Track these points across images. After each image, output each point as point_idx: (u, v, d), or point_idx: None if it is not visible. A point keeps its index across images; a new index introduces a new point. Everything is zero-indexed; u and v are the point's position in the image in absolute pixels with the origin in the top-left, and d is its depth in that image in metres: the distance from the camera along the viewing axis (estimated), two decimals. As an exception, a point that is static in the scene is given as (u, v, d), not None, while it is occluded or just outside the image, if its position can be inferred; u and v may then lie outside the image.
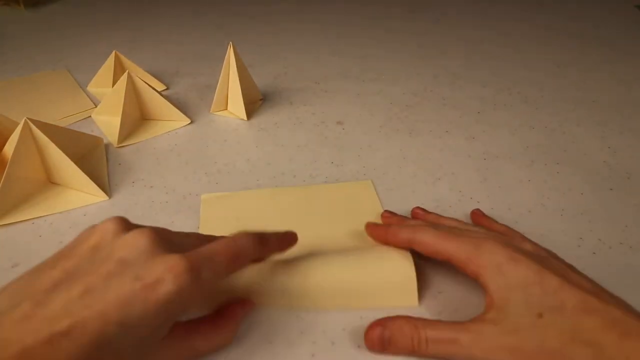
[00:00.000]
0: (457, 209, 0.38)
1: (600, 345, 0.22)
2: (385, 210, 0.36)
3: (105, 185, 0.41)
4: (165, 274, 0.21)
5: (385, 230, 0.31)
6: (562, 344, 0.23)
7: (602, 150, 0.47)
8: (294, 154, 0.46)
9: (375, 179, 0.42)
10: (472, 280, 0.27)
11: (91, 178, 0.39)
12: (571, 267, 0.27)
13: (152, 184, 0.42)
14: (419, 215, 0.36)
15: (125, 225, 0.24)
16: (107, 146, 0.47)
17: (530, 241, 0.30)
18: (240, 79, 0.50)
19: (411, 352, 0.26)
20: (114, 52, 0.56)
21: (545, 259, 0.27)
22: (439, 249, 0.28)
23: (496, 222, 0.35)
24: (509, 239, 0.29)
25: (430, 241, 0.28)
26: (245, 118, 0.51)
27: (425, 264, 0.31)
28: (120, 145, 0.47)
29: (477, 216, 0.36)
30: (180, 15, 0.89)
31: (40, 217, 0.38)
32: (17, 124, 0.39)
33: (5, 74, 0.63)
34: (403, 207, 0.38)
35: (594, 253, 0.34)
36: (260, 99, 0.56)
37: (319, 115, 0.53)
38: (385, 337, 0.26)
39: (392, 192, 0.40)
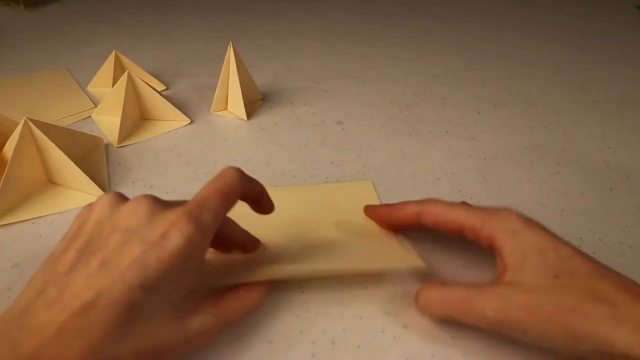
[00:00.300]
0: (457, 209, 0.38)
1: (616, 303, 0.22)
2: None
3: (105, 185, 0.41)
4: (169, 229, 0.22)
5: (390, 208, 0.31)
6: (579, 301, 0.23)
7: (602, 150, 0.47)
8: (294, 154, 0.46)
9: (375, 179, 0.42)
10: (482, 254, 0.28)
11: (91, 178, 0.39)
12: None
13: (152, 184, 0.42)
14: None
15: (120, 198, 0.26)
16: (107, 146, 0.47)
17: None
18: (240, 79, 0.50)
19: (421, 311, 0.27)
20: (114, 52, 0.56)
21: (556, 236, 0.27)
22: (451, 217, 0.28)
23: None
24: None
25: (441, 211, 0.28)
26: (245, 118, 0.51)
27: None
28: (120, 145, 0.47)
29: None
30: (181, 15, 0.89)
31: (40, 217, 0.38)
32: (17, 124, 0.39)
33: (5, 74, 0.63)
34: (403, 207, 0.38)
35: (594, 253, 0.34)
36: (260, 99, 0.56)
37: (319, 115, 0.53)
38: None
39: (392, 192, 0.40)
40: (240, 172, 0.27)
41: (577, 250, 0.25)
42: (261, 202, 0.29)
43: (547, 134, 0.49)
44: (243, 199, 0.28)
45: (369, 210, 0.34)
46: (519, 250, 0.25)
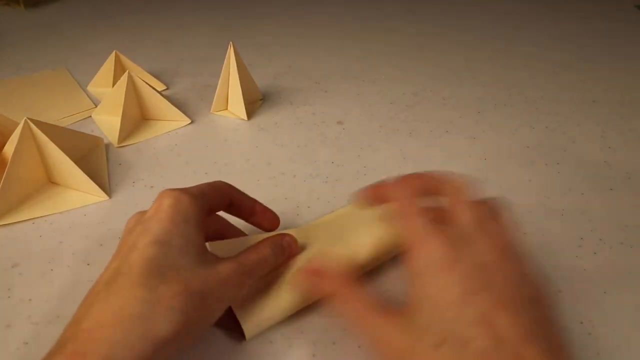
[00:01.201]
0: (457, 209, 0.38)
1: None
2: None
3: (105, 185, 0.41)
4: (161, 200, 0.26)
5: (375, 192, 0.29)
6: None
7: (602, 150, 0.47)
8: (294, 154, 0.46)
9: (375, 178, 0.42)
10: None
11: (91, 178, 0.39)
12: (518, 283, 0.23)
13: (152, 184, 0.42)
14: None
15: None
16: (107, 146, 0.47)
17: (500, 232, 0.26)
18: (240, 79, 0.50)
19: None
20: (114, 52, 0.56)
21: (491, 273, 0.22)
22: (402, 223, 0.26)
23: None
24: (471, 234, 0.24)
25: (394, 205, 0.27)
26: (245, 118, 0.51)
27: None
28: (120, 145, 0.47)
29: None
30: (181, 15, 0.89)
31: (40, 217, 0.38)
32: (17, 124, 0.39)
33: (5, 74, 0.63)
34: (403, 207, 0.38)
35: (595, 253, 0.34)
36: (260, 99, 0.56)
37: (319, 115, 0.53)
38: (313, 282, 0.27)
39: (392, 192, 0.40)
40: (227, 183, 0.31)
41: (483, 318, 0.21)
42: (257, 214, 0.32)
43: (547, 134, 0.49)
44: (234, 205, 0.31)
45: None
46: (423, 294, 0.23)
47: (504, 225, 0.26)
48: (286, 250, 0.29)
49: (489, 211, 0.26)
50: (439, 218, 0.25)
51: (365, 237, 0.30)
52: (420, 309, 0.22)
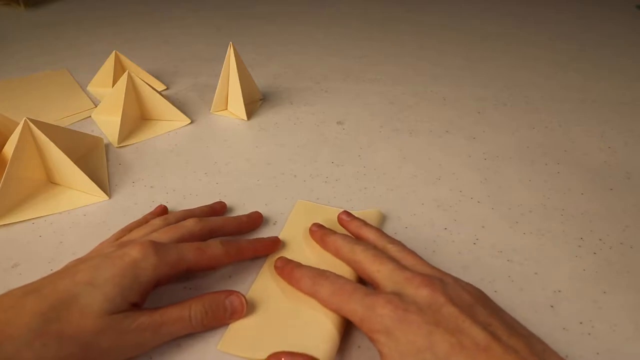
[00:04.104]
0: (457, 208, 0.38)
1: None
2: (343, 211, 0.35)
3: (105, 185, 0.41)
4: (132, 250, 0.27)
5: (290, 273, 0.30)
6: None
7: (602, 150, 0.47)
8: (294, 154, 0.46)
9: (375, 178, 0.42)
10: None
11: (91, 178, 0.39)
12: (471, 307, 0.25)
13: (152, 184, 0.42)
14: (343, 222, 0.34)
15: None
16: (107, 146, 0.47)
17: (428, 269, 0.28)
18: (240, 79, 0.50)
19: None
20: (114, 52, 0.56)
21: (441, 307, 0.24)
22: (334, 307, 0.27)
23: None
24: (404, 281, 0.26)
25: (327, 299, 0.27)
26: (245, 118, 0.51)
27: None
28: (120, 145, 0.47)
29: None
30: (181, 15, 0.89)
31: (40, 217, 0.38)
32: (17, 124, 0.39)
33: (5, 74, 0.63)
34: (403, 207, 0.38)
35: (594, 253, 0.34)
36: (260, 99, 0.56)
37: (319, 115, 0.53)
38: None
39: (392, 192, 0.40)
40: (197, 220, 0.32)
41: (455, 343, 0.22)
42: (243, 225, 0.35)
43: (547, 134, 0.49)
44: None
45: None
46: (395, 352, 0.23)
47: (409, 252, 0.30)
48: (227, 312, 0.28)
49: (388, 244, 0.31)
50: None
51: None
52: None
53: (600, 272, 0.32)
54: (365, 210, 0.37)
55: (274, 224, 0.36)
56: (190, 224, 0.31)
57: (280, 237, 0.34)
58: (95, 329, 0.24)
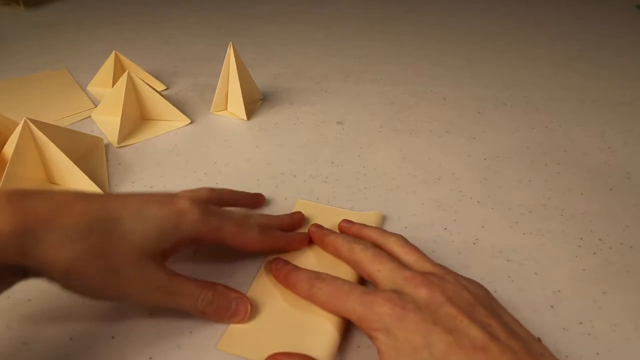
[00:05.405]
0: (457, 208, 0.38)
1: None
2: (343, 219, 0.35)
3: (105, 185, 0.41)
4: (181, 200, 0.28)
5: (286, 277, 0.30)
6: None
7: (602, 150, 0.47)
8: (294, 154, 0.46)
9: (375, 179, 0.42)
10: None
11: (91, 178, 0.39)
12: (470, 306, 0.25)
13: (152, 184, 0.42)
14: (344, 229, 0.34)
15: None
16: (107, 146, 0.47)
17: (429, 265, 0.28)
18: (240, 79, 0.50)
19: None
20: (114, 52, 0.56)
21: (440, 307, 0.24)
22: (333, 309, 0.27)
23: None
24: (403, 281, 0.26)
25: (325, 302, 0.27)
26: (245, 118, 0.51)
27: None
28: (120, 145, 0.47)
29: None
30: (180, 15, 0.89)
31: (40, 217, 0.38)
32: (17, 124, 0.39)
33: (5, 74, 0.63)
34: (403, 207, 0.38)
35: (594, 253, 0.34)
36: (260, 99, 0.56)
37: (319, 115, 0.53)
38: None
39: (392, 192, 0.40)
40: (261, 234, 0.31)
41: (452, 342, 0.22)
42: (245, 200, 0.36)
43: (547, 134, 0.49)
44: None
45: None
46: (393, 350, 0.23)
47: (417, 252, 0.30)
48: (229, 312, 0.28)
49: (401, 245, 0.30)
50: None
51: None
52: None
53: (600, 272, 0.32)
54: (365, 212, 0.37)
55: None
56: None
57: None
58: (124, 257, 0.24)
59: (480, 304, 0.25)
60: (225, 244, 0.30)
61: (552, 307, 0.30)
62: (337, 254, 0.31)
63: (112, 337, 0.27)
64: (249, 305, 0.28)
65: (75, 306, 0.29)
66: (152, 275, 0.25)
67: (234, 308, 0.28)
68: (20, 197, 0.23)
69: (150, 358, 0.26)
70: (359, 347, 0.27)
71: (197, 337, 0.27)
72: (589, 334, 0.28)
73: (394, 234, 0.31)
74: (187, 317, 0.28)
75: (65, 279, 0.23)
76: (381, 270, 0.27)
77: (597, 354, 0.27)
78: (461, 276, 0.27)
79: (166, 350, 0.27)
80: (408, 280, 0.26)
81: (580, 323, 0.29)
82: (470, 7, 0.92)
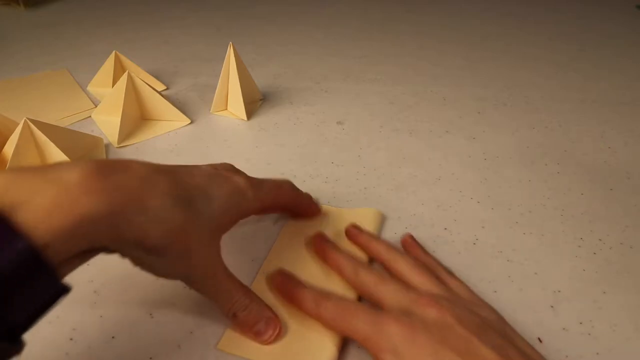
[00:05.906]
0: (457, 209, 0.38)
1: None
2: (351, 224, 0.34)
3: (105, 185, 0.41)
4: (238, 177, 0.28)
5: (291, 293, 0.29)
6: None
7: (602, 150, 0.47)
8: (294, 154, 0.46)
9: (375, 179, 0.42)
10: None
11: (91, 178, 0.39)
12: (480, 328, 0.24)
13: (152, 184, 0.42)
14: (352, 235, 0.33)
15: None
16: (107, 146, 0.47)
17: (438, 289, 0.27)
18: (240, 79, 0.50)
19: None
20: (114, 52, 0.56)
21: (450, 328, 0.24)
22: (339, 328, 0.26)
23: (425, 252, 0.32)
24: (410, 302, 0.26)
25: (331, 321, 0.26)
26: (245, 118, 0.51)
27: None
28: (120, 145, 0.47)
29: (409, 245, 0.34)
30: (181, 15, 0.89)
31: (40, 217, 0.38)
32: (17, 124, 0.39)
33: (5, 74, 0.63)
34: (403, 207, 0.38)
35: (594, 253, 0.34)
36: (260, 99, 0.56)
37: (319, 115, 0.53)
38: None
39: (392, 193, 0.40)
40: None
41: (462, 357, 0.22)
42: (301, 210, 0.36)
43: (547, 134, 0.49)
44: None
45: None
46: None
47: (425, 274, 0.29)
48: (254, 329, 0.27)
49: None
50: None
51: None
52: None
53: (600, 272, 0.32)
54: (362, 208, 0.37)
55: (275, 223, 0.36)
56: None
57: (281, 236, 0.34)
58: (199, 239, 0.24)
59: (492, 327, 0.24)
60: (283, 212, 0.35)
61: (552, 307, 0.30)
62: (340, 273, 0.30)
63: (112, 337, 0.27)
64: (278, 330, 0.27)
65: (76, 306, 0.29)
66: (215, 261, 0.25)
67: (262, 326, 0.27)
68: (107, 173, 0.21)
69: (150, 358, 0.26)
70: (359, 347, 0.27)
71: (197, 337, 0.27)
72: (589, 334, 0.28)
73: (404, 253, 0.31)
74: (187, 317, 0.28)
75: (145, 257, 0.23)
76: (386, 292, 0.27)
77: (597, 354, 0.27)
78: (474, 300, 0.27)
79: (166, 350, 0.27)
80: (416, 302, 0.25)
81: (580, 323, 0.29)
82: (470, 7, 0.92)
